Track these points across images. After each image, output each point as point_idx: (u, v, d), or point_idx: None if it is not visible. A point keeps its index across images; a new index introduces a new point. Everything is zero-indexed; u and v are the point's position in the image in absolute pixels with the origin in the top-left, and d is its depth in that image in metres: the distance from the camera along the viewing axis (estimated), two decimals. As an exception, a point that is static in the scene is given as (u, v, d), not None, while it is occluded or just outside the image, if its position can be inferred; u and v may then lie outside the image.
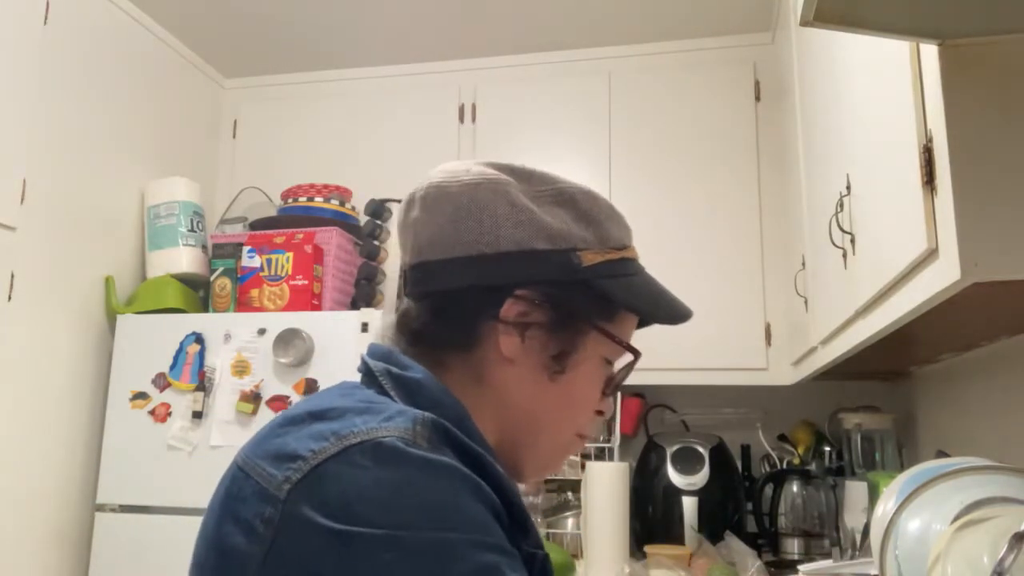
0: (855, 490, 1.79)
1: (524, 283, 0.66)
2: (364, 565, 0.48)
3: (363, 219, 2.42)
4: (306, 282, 2.20)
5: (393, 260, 2.34)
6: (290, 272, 2.21)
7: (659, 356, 2.27)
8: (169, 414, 2.11)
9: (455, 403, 0.63)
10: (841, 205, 1.28)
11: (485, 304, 0.66)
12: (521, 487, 2.20)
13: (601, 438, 2.30)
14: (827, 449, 2.21)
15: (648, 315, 0.72)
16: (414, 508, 0.50)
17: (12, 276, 1.88)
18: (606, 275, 0.68)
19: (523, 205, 0.67)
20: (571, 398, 0.69)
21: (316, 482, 0.51)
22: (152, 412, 2.12)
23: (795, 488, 2.10)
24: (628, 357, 0.73)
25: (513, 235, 0.66)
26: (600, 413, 0.73)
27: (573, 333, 0.68)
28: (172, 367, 2.14)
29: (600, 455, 2.24)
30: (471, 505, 0.52)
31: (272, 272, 2.23)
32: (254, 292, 2.24)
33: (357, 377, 0.69)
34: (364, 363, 0.67)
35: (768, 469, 2.23)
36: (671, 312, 0.73)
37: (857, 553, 1.55)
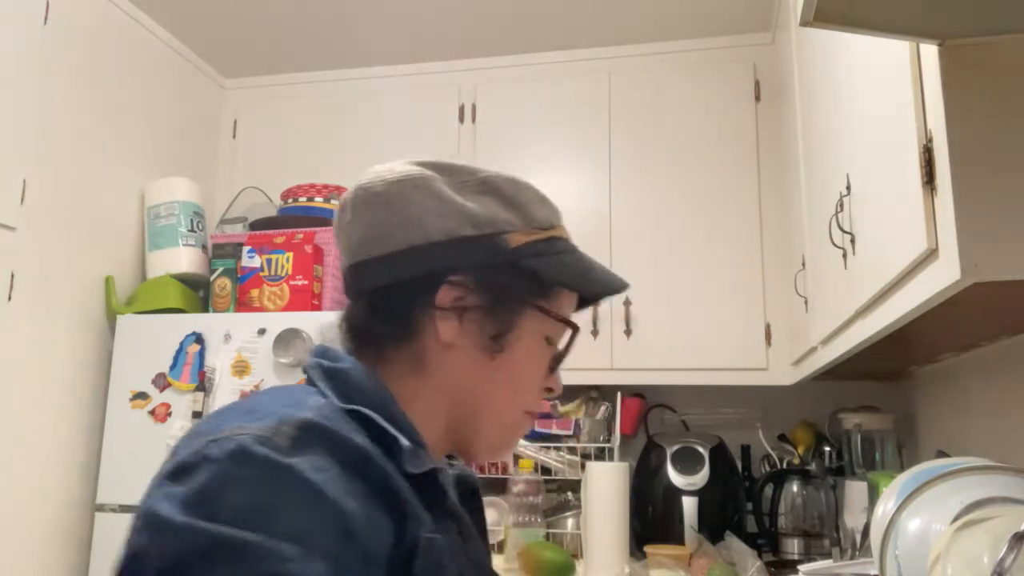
0: (855, 490, 1.79)
1: (456, 269, 0.68)
2: (162, 550, 0.50)
3: (363, 219, 2.41)
4: (306, 282, 2.20)
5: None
6: (290, 272, 2.21)
7: (659, 356, 2.27)
8: (169, 414, 2.11)
9: (379, 389, 0.66)
10: (841, 205, 1.28)
11: (420, 294, 0.69)
12: (520, 484, 2.19)
13: (601, 438, 2.30)
14: (827, 449, 2.21)
15: (579, 288, 0.75)
16: (229, 505, 0.51)
17: (12, 276, 1.88)
18: (533, 254, 0.70)
19: (448, 196, 0.69)
20: (513, 376, 0.72)
21: (169, 478, 0.54)
22: (152, 412, 2.12)
23: (795, 488, 2.10)
24: (569, 334, 0.75)
25: (440, 225, 0.68)
26: (550, 390, 0.76)
27: (509, 313, 0.70)
28: (172, 367, 2.14)
29: (600, 455, 2.24)
30: (295, 512, 0.52)
31: (272, 272, 2.23)
32: (254, 292, 2.24)
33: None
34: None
35: (768, 469, 2.23)
36: (603, 285, 0.75)
37: (857, 553, 1.55)
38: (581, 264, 0.74)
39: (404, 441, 0.62)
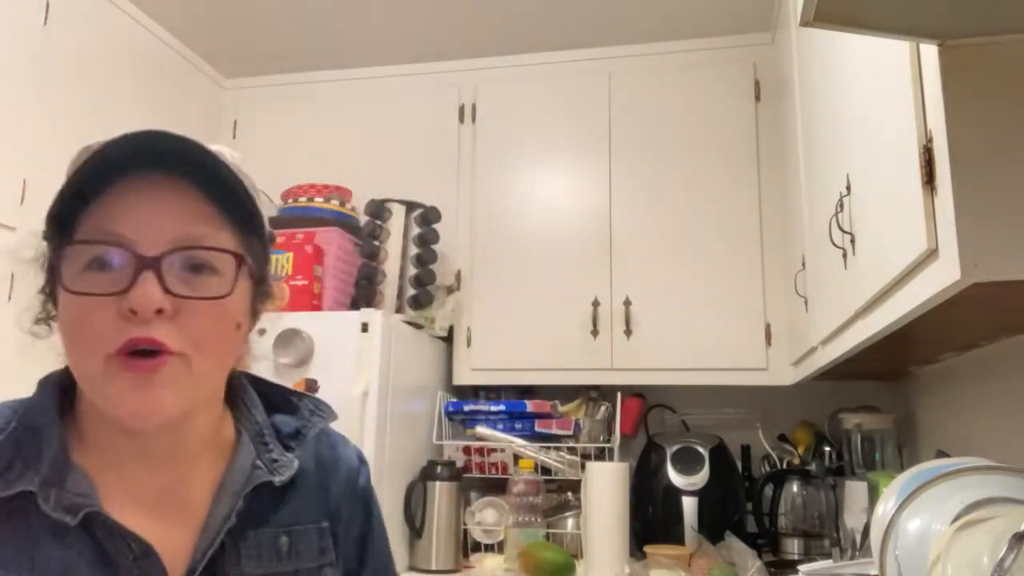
0: (855, 490, 1.79)
1: None
2: None
3: (363, 219, 2.42)
4: (306, 282, 2.20)
5: (393, 260, 2.34)
6: (290, 272, 2.21)
7: (659, 356, 2.27)
8: (169, 414, 2.11)
9: (41, 392, 0.73)
10: (841, 205, 1.28)
11: None
12: (520, 484, 2.16)
13: (601, 438, 2.30)
14: (827, 449, 2.20)
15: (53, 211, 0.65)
16: None
17: (12, 276, 1.88)
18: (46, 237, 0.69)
19: None
20: (64, 335, 0.68)
21: None
22: (152, 412, 2.12)
23: (795, 488, 2.10)
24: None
25: None
26: (132, 312, 0.63)
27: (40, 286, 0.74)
28: (172, 367, 2.14)
29: (600, 455, 2.23)
30: None
31: (272, 272, 2.23)
32: (254, 292, 2.23)
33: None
34: None
35: (768, 469, 2.23)
36: (82, 172, 0.64)
37: (857, 553, 1.55)
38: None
39: None
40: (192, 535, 0.69)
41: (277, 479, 0.73)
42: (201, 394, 0.68)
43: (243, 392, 0.79)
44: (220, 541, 0.68)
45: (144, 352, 0.62)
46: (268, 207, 0.76)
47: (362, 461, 0.86)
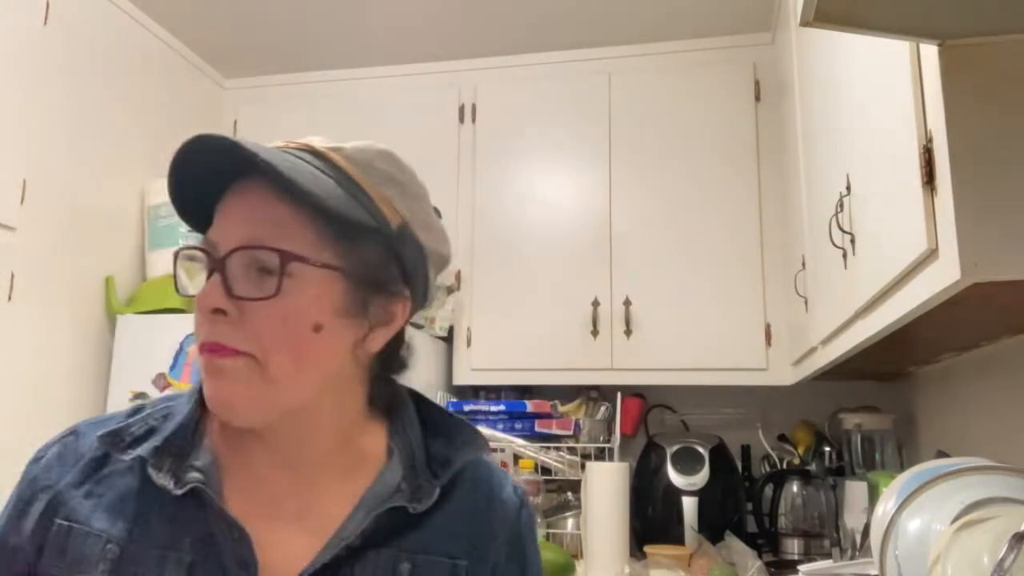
0: (855, 490, 1.79)
1: None
2: None
3: (363, 219, 2.42)
4: (306, 282, 2.20)
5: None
6: (290, 272, 2.21)
7: (659, 356, 2.27)
8: (169, 414, 2.11)
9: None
10: (841, 205, 1.28)
11: None
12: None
13: (601, 438, 2.30)
14: (827, 449, 2.20)
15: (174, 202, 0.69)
16: None
17: (12, 276, 1.88)
18: None
19: None
20: None
21: None
22: (152, 412, 2.12)
23: (795, 488, 2.10)
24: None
25: None
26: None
27: None
28: (172, 367, 2.14)
29: (600, 455, 2.23)
30: (15, 490, 0.74)
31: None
32: (254, 292, 2.23)
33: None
34: None
35: (768, 469, 2.23)
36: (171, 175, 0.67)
37: (857, 553, 1.55)
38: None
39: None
40: (312, 543, 0.66)
41: (413, 506, 0.68)
42: (284, 397, 0.65)
43: (402, 409, 0.75)
44: (335, 555, 0.65)
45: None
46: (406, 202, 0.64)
47: (523, 502, 0.78)
